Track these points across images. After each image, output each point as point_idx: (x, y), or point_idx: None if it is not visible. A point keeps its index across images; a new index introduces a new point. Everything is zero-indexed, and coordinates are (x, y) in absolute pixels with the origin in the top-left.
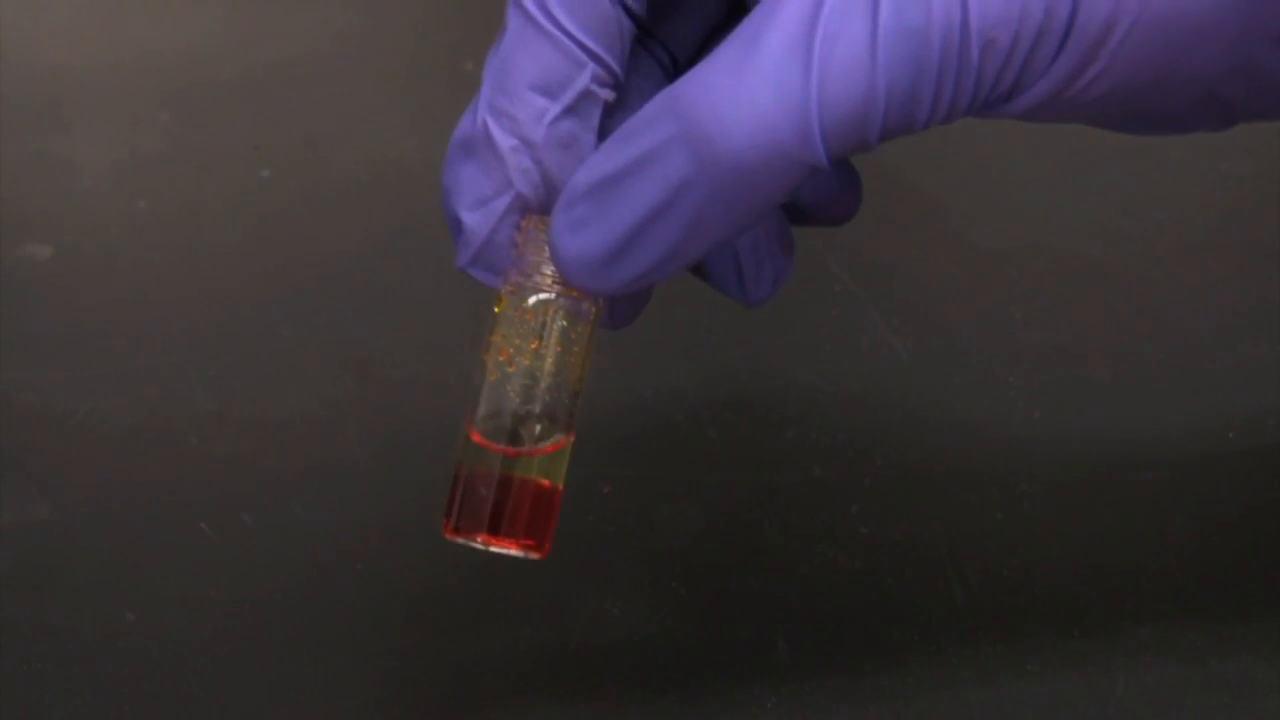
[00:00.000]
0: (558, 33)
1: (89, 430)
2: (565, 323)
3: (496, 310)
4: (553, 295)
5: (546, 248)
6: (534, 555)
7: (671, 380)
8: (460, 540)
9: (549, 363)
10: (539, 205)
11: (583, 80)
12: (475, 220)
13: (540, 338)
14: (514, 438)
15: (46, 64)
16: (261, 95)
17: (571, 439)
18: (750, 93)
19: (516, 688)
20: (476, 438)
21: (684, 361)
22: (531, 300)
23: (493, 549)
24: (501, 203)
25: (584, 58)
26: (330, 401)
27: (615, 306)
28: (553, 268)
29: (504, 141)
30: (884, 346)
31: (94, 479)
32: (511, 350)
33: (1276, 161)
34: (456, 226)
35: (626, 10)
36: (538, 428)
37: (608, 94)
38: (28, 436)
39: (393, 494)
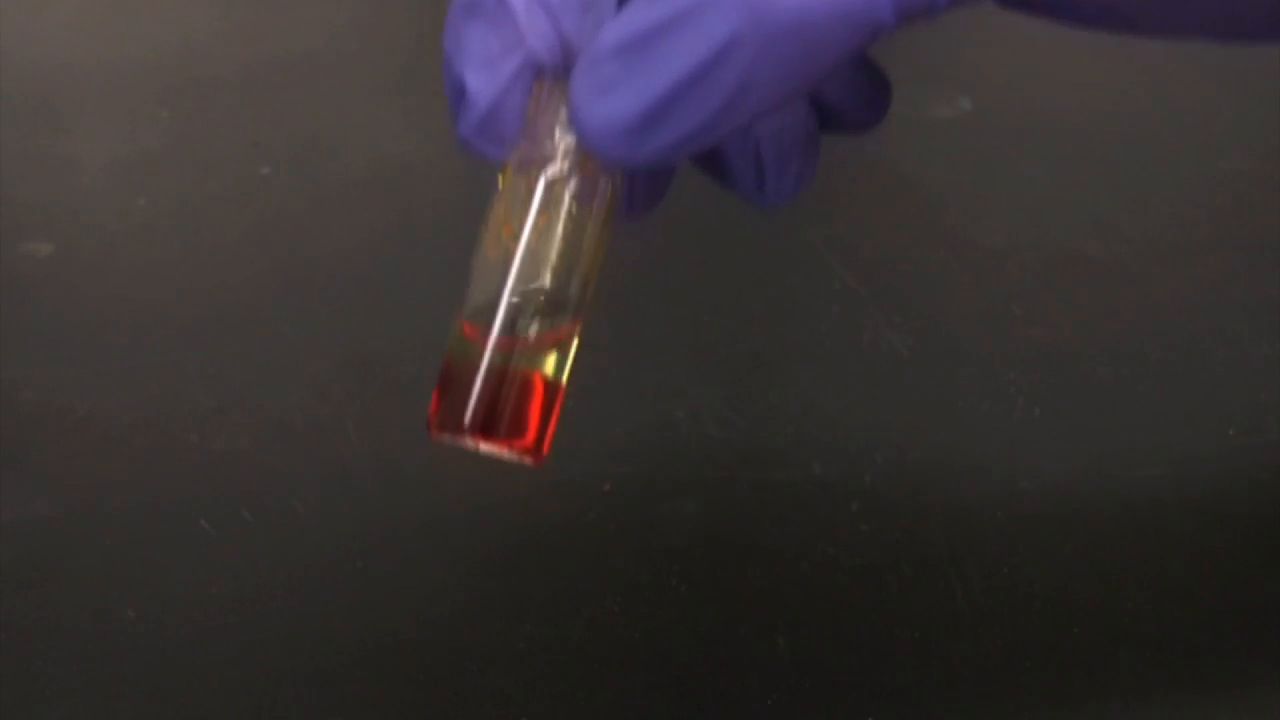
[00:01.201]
0: None
1: (89, 427)
2: (578, 200)
3: (500, 183)
4: (565, 169)
5: (561, 115)
6: (528, 460)
7: (671, 378)
8: (446, 440)
9: (557, 244)
10: (554, 71)
11: None
12: (481, 82)
13: (549, 215)
14: (512, 325)
15: (46, 63)
16: (262, 92)
17: (578, 330)
18: None
19: (516, 687)
20: (469, 327)
21: (684, 359)
22: (541, 173)
23: (483, 450)
24: (512, 61)
25: None
26: (330, 400)
27: (636, 187)
28: (568, 138)
29: (517, 0)
30: (884, 344)
31: (94, 476)
32: (515, 227)
33: (1277, 159)
34: (458, 91)
35: None
36: (539, 316)
37: None
38: (28, 433)
39: (393, 493)
